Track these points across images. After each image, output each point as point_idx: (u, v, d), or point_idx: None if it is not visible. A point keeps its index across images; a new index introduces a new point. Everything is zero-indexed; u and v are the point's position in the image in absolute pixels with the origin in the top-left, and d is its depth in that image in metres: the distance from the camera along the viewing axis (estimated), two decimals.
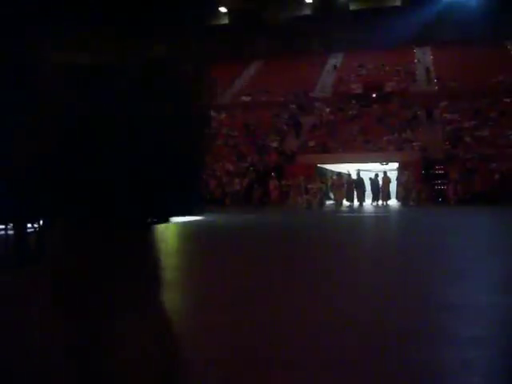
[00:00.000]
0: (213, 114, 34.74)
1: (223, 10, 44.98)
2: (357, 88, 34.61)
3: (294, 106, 33.23)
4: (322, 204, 22.75)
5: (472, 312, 3.34)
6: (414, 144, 26.64)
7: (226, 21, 46.09)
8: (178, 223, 11.11)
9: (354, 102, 32.57)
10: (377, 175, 24.83)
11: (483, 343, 2.63)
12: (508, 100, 28.87)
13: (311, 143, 28.53)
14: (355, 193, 24.63)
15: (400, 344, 2.63)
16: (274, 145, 29.13)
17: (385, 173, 24.84)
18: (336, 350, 2.58)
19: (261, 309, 3.42)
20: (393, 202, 24.54)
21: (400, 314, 3.23)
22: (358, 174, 25.08)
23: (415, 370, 2.29)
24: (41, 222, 4.84)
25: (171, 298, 3.38)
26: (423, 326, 2.98)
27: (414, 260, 6.06)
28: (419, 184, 23.58)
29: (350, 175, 25.23)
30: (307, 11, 43.95)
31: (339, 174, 25.30)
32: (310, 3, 43.24)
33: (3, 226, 5.57)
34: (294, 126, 30.72)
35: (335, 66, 39.40)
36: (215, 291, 4.13)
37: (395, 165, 26.36)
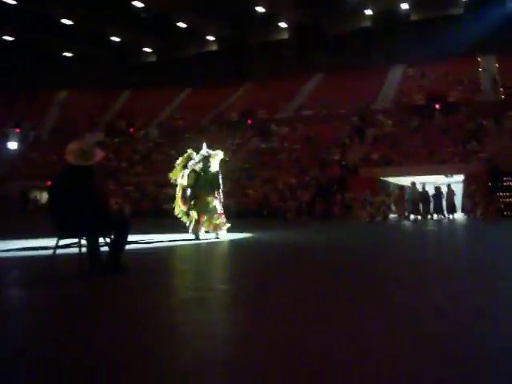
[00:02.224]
0: (274, 128, 35.48)
1: (283, 25, 45.74)
2: (419, 99, 34.33)
3: (355, 119, 33.35)
4: (385, 217, 22.78)
5: None
6: (480, 155, 26.18)
7: (285, 36, 46.90)
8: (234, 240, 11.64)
9: (416, 113, 32.33)
10: (440, 188, 24.49)
11: None
12: None
13: (374, 156, 28.57)
14: (419, 206, 24.39)
15: None
16: (336, 158, 29.37)
17: (449, 185, 24.50)
18: None
19: None
20: (458, 216, 24.18)
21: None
22: (423, 187, 24.84)
23: None
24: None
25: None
26: None
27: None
28: (486, 197, 23.17)
29: (413, 188, 25.00)
30: (367, 23, 43.95)
31: (402, 187, 25.14)
32: (370, 15, 43.21)
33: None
34: (357, 137, 30.86)
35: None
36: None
37: (460, 177, 25.98)
